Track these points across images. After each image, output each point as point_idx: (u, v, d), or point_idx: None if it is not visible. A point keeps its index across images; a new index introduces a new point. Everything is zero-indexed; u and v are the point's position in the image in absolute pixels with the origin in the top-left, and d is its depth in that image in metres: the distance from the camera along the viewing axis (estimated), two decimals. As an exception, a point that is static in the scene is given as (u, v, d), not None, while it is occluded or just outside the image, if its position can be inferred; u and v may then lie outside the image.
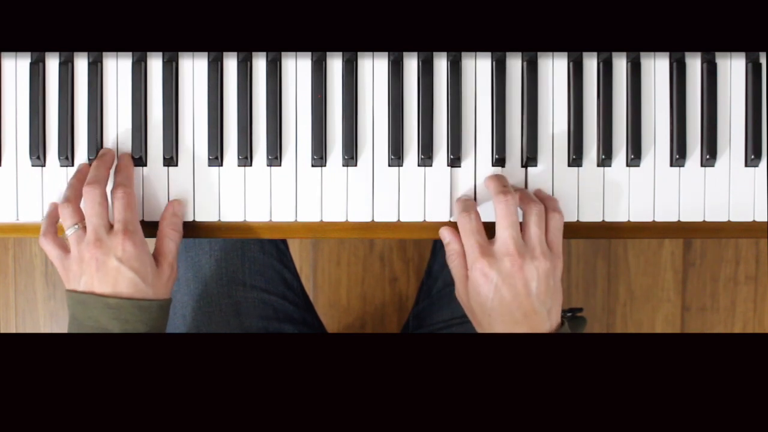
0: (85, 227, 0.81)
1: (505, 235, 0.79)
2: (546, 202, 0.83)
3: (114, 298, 0.79)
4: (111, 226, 0.81)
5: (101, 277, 0.79)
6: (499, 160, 0.86)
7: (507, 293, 0.79)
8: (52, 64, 0.86)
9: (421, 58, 0.86)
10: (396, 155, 0.86)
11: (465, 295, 0.82)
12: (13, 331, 1.64)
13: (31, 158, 0.86)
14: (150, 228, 0.87)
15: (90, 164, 0.85)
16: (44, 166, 0.86)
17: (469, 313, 0.83)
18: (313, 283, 1.64)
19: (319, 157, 0.86)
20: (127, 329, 0.80)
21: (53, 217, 0.84)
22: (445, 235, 0.84)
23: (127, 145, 0.86)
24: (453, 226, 0.85)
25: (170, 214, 0.85)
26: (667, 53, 0.87)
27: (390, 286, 1.65)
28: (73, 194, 0.82)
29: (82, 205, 0.82)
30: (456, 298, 0.84)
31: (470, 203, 0.83)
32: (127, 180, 0.84)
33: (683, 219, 0.87)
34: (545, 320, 0.80)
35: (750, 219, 0.87)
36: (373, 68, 0.87)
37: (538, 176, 0.87)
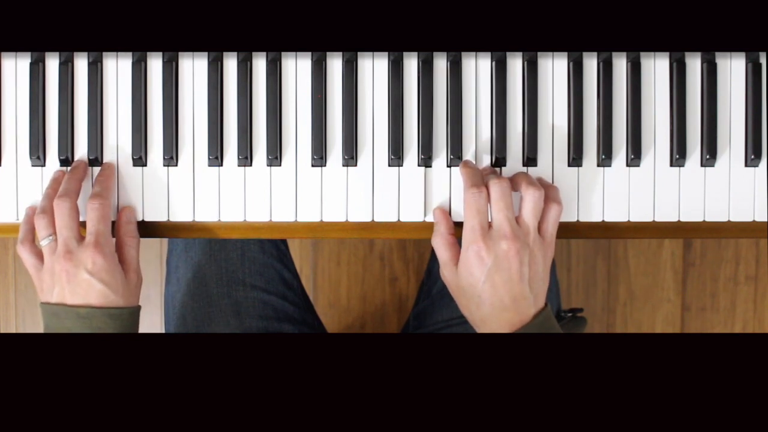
0: None
1: (500, 216, 0.80)
2: (547, 191, 0.83)
3: (85, 307, 0.80)
4: (82, 236, 0.81)
5: (72, 288, 0.80)
6: (500, 160, 0.86)
7: (499, 279, 0.79)
8: (52, 64, 0.86)
9: (421, 58, 0.86)
10: (396, 155, 0.86)
11: (453, 274, 0.82)
12: (13, 331, 1.64)
13: (31, 158, 0.86)
14: (149, 229, 0.87)
15: (63, 171, 0.86)
16: (44, 166, 0.86)
17: (456, 293, 0.83)
18: (313, 283, 1.64)
19: (319, 157, 0.86)
20: None
21: (31, 224, 0.84)
22: (437, 214, 0.85)
23: (127, 144, 0.86)
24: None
25: (124, 222, 0.85)
26: (667, 53, 0.87)
27: (390, 286, 1.65)
28: (48, 205, 0.82)
29: None
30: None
31: (480, 178, 0.83)
32: (105, 191, 0.83)
33: (683, 219, 0.87)
34: (531, 306, 0.80)
35: (750, 219, 0.87)
36: (373, 68, 0.87)
37: (538, 176, 0.86)
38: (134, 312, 0.83)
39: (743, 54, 0.87)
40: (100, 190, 0.83)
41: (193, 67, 0.86)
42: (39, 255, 0.83)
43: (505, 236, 0.79)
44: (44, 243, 0.82)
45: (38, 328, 1.64)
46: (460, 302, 0.82)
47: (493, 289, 0.79)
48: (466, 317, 0.83)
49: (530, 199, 0.80)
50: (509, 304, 0.79)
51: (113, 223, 0.85)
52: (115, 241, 0.85)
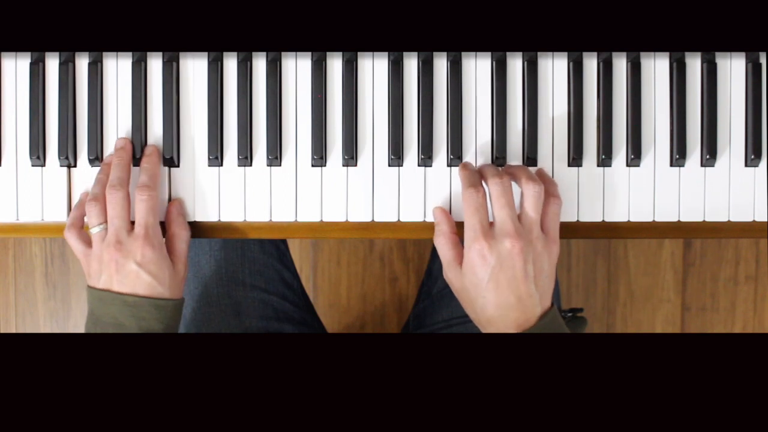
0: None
1: (502, 214, 0.79)
2: (546, 186, 0.82)
3: (132, 296, 0.80)
4: (132, 225, 0.82)
5: (120, 279, 0.81)
6: (499, 160, 0.86)
7: (503, 277, 0.78)
8: (52, 64, 0.86)
9: (421, 58, 0.86)
10: (396, 155, 0.86)
11: (457, 275, 0.81)
12: (13, 331, 1.64)
13: (31, 158, 0.86)
14: (150, 228, 0.87)
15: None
16: (44, 166, 0.86)
17: (460, 294, 0.82)
18: (313, 283, 1.64)
19: (319, 157, 0.86)
20: (143, 327, 0.81)
21: (82, 210, 0.85)
22: (438, 214, 0.85)
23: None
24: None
25: (175, 214, 0.85)
26: (667, 53, 0.87)
27: (390, 286, 1.65)
28: (101, 192, 0.83)
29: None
30: (456, 298, 0.83)
31: (478, 178, 0.82)
32: (152, 181, 0.84)
33: (683, 219, 0.87)
34: (537, 304, 0.79)
35: (750, 219, 0.87)
36: (373, 68, 0.87)
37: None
38: (178, 305, 0.84)
39: (743, 54, 0.87)
40: (147, 181, 0.83)
41: (194, 67, 0.86)
42: (86, 241, 0.83)
43: (508, 234, 0.78)
44: (95, 231, 0.82)
45: (38, 328, 1.64)
46: (465, 303, 0.82)
47: (498, 289, 0.78)
48: (471, 318, 0.82)
49: (530, 194, 0.80)
50: (515, 304, 0.79)
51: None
52: (166, 234, 0.85)
